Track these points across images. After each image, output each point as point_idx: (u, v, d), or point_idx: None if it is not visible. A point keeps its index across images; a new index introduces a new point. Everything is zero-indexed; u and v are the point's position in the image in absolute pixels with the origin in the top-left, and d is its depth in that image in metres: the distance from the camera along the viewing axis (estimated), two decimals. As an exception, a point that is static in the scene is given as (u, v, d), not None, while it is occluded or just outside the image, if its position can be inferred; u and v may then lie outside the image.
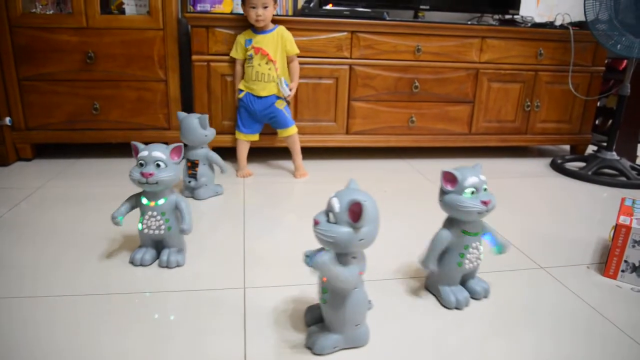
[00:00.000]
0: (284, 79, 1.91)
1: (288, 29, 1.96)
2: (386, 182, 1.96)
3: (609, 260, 1.20)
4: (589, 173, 2.10)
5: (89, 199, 1.64)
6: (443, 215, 1.04)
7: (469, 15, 2.63)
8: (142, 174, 1.08)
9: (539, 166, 2.32)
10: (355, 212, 0.75)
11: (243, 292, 1.08)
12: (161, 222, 1.15)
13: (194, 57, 2.00)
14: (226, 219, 1.53)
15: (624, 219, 1.19)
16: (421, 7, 2.43)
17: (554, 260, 1.30)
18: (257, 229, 1.45)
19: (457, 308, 1.04)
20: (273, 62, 1.89)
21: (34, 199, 1.63)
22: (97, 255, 1.23)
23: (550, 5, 2.83)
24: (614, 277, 1.20)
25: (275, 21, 1.93)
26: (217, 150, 1.78)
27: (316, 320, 0.93)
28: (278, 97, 1.93)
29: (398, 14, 2.48)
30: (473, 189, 0.95)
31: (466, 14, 2.62)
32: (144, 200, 1.15)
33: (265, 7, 1.83)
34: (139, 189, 1.16)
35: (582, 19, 2.09)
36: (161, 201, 1.15)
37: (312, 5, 2.23)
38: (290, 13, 2.31)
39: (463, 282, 1.09)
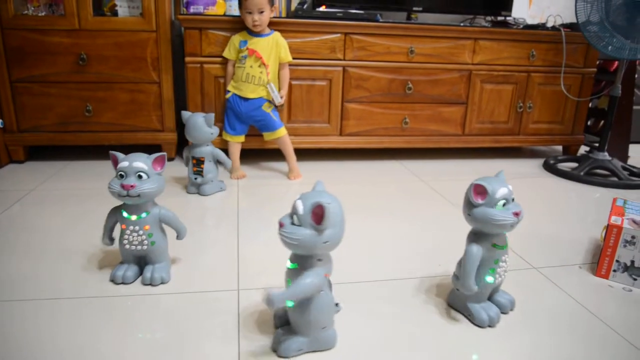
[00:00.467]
0: (273, 84, 1.91)
1: (281, 30, 1.96)
2: (380, 183, 1.97)
3: (600, 260, 1.21)
4: (581, 173, 2.11)
5: (82, 201, 1.63)
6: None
7: (462, 16, 2.65)
8: (123, 186, 1.01)
9: (531, 167, 2.34)
10: (318, 215, 0.75)
11: (237, 294, 1.08)
12: (144, 237, 1.07)
13: (187, 59, 2.00)
14: (220, 221, 1.53)
15: (615, 219, 1.21)
16: (414, 8, 2.44)
17: (546, 260, 1.31)
18: (251, 230, 1.45)
19: (489, 326, 0.98)
20: (266, 66, 1.89)
21: (27, 201, 1.62)
22: (89, 258, 1.22)
23: (542, 7, 2.86)
24: (606, 276, 1.21)
25: (269, 23, 1.93)
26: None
27: (285, 323, 0.92)
28: (265, 100, 1.92)
29: (391, 15, 2.49)
30: (504, 200, 0.91)
31: (459, 15, 2.64)
32: (125, 214, 1.07)
33: (262, 12, 1.83)
34: (119, 202, 1.08)
35: (574, 20, 2.11)
36: (143, 215, 1.07)
37: (305, 7, 2.24)
38: (283, 15, 2.31)
39: (489, 297, 1.03)
